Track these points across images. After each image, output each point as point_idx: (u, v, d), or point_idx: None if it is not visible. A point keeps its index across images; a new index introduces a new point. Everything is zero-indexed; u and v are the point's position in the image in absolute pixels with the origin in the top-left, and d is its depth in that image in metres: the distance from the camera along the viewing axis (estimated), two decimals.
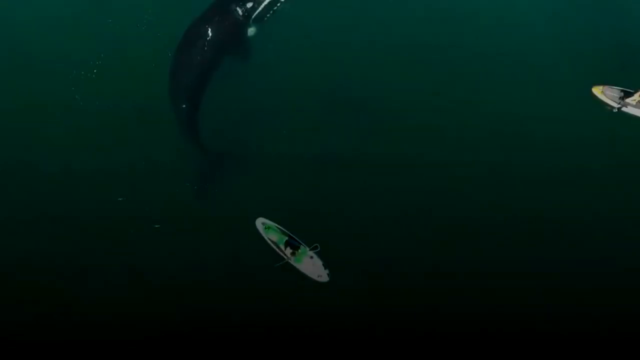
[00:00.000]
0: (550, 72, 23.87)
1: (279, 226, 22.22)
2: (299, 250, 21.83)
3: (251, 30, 23.44)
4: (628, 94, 22.90)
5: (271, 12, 23.22)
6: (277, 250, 22.03)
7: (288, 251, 21.88)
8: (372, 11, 24.58)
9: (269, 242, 22.12)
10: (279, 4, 23.12)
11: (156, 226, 22.36)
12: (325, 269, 21.78)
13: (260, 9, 22.99)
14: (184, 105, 22.90)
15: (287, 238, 22.02)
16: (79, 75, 23.71)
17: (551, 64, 23.98)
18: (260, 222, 22.28)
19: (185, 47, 22.96)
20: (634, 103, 22.75)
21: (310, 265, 21.86)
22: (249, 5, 22.81)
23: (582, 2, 24.77)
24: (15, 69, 23.98)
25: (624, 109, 22.88)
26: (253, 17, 23.07)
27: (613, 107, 22.95)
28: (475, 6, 24.71)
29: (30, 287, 22.05)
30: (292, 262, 21.86)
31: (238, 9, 22.89)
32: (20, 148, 23.47)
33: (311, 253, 21.86)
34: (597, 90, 23.23)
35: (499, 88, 23.75)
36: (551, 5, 24.73)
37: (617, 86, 23.17)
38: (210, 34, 22.77)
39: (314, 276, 21.80)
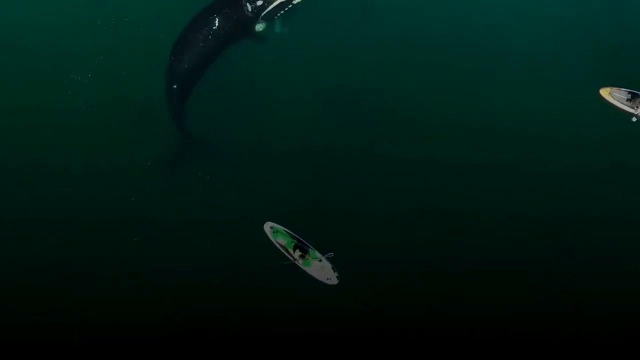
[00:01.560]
0: (558, 75, 23.86)
1: (288, 230, 22.11)
2: (308, 254, 21.76)
3: (259, 26, 23.32)
4: (635, 96, 22.97)
5: (281, 12, 23.01)
6: (285, 254, 21.94)
7: (297, 254, 21.80)
8: (377, 11, 24.47)
9: (277, 246, 22.02)
10: (289, 6, 22.90)
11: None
12: (334, 271, 21.74)
13: (270, 8, 22.84)
14: (174, 86, 22.93)
15: (295, 242, 21.93)
16: (79, 76, 23.50)
17: (559, 67, 23.97)
18: (268, 226, 22.17)
19: (190, 32, 22.99)
20: None
21: (319, 268, 21.80)
22: (259, 3, 22.71)
23: (589, 4, 24.70)
24: (14, 69, 23.71)
25: None
26: (262, 15, 23.00)
27: (632, 116, 22.99)
28: (481, 7, 24.62)
29: (32, 288, 21.96)
30: (300, 265, 21.78)
31: (248, 4, 22.83)
32: (20, 148, 23.24)
33: (320, 256, 21.78)
34: (604, 92, 23.28)
35: (504, 88, 23.78)
36: (558, 6, 24.66)
37: (625, 88, 23.22)
38: (217, 24, 22.77)
39: (323, 279, 21.76)
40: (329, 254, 21.53)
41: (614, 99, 23.23)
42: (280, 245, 22.01)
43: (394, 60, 23.81)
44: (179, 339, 21.66)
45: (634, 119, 23.00)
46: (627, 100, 23.09)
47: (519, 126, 23.44)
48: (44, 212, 22.65)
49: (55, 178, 22.88)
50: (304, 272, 21.86)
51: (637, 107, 22.89)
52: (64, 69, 23.42)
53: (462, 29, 24.28)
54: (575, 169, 23.06)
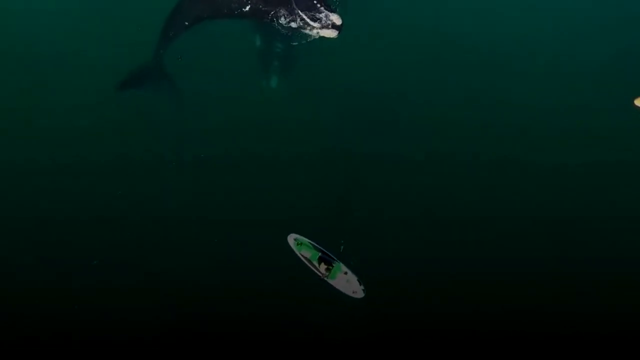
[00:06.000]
0: (590, 84, 23.14)
1: (312, 242, 21.54)
2: (333, 266, 21.29)
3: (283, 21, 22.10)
4: None
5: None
6: (310, 266, 21.45)
7: (322, 267, 21.34)
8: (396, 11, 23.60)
9: (301, 258, 21.49)
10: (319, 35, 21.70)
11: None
12: (360, 284, 21.34)
13: (298, 26, 21.62)
14: (186, 23, 21.98)
15: (320, 254, 21.39)
16: (77, 72, 22.84)
17: (590, 76, 23.24)
18: (292, 238, 21.56)
19: None
20: None
21: (345, 281, 21.39)
22: (294, 25, 21.43)
23: (620, 8, 23.84)
24: (13, 66, 22.92)
25: None
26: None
27: None
28: (505, 10, 23.74)
29: (32, 287, 21.43)
30: (326, 278, 21.33)
31: (282, 17, 21.48)
32: (19, 144, 22.55)
33: (345, 269, 21.36)
34: None
35: (535, 96, 23.03)
36: (589, 11, 23.79)
37: None
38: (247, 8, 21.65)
39: (349, 292, 21.37)
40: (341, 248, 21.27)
41: None
42: (305, 258, 21.50)
43: (418, 61, 23.02)
44: (193, 345, 21.38)
45: None
46: None
47: (554, 135, 22.85)
48: (46, 210, 22.00)
49: (61, 177, 22.27)
50: (329, 285, 21.41)
51: None
52: (64, 68, 22.72)
53: (487, 31, 23.42)
54: (613, 182, 22.58)
